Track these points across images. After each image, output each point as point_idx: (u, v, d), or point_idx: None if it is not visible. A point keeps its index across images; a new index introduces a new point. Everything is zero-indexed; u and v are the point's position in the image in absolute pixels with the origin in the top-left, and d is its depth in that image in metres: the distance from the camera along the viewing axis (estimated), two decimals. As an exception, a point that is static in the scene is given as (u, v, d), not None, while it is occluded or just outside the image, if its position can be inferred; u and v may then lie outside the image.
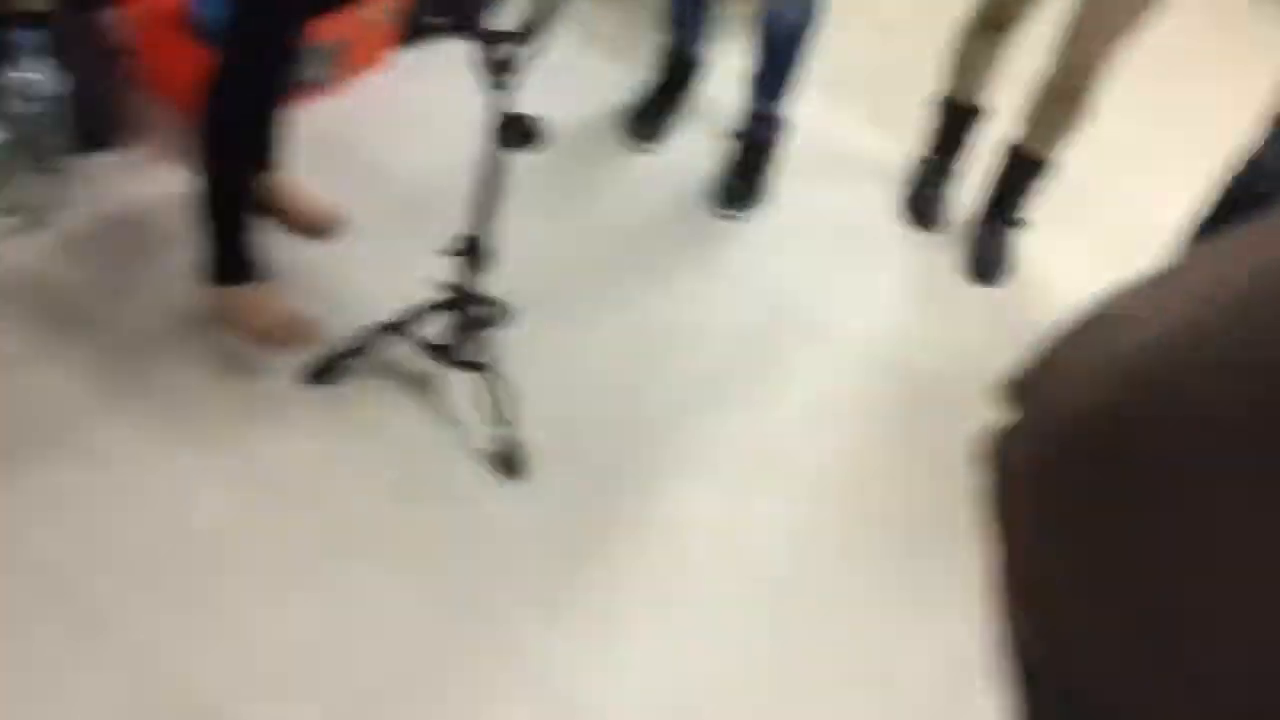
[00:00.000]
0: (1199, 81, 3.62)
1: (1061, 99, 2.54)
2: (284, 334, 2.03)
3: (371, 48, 2.68)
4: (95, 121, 2.26)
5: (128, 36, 2.41)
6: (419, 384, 2.11)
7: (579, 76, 2.86)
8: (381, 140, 2.59)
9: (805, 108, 2.77)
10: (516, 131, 1.77)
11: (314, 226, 2.27)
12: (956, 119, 2.80)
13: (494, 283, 2.00)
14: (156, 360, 2.01)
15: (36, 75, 2.06)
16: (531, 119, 1.76)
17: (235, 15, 1.82)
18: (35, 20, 2.13)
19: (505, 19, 1.71)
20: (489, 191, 1.88)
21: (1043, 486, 0.46)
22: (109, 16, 2.37)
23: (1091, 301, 0.48)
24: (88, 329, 2.02)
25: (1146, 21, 2.37)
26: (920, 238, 2.82)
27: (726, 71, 2.86)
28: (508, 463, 2.02)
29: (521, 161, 1.86)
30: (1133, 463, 0.42)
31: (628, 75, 2.95)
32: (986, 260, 2.76)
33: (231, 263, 2.00)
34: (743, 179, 2.74)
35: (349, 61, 2.61)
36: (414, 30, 2.82)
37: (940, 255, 2.79)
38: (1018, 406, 0.52)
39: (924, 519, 2.18)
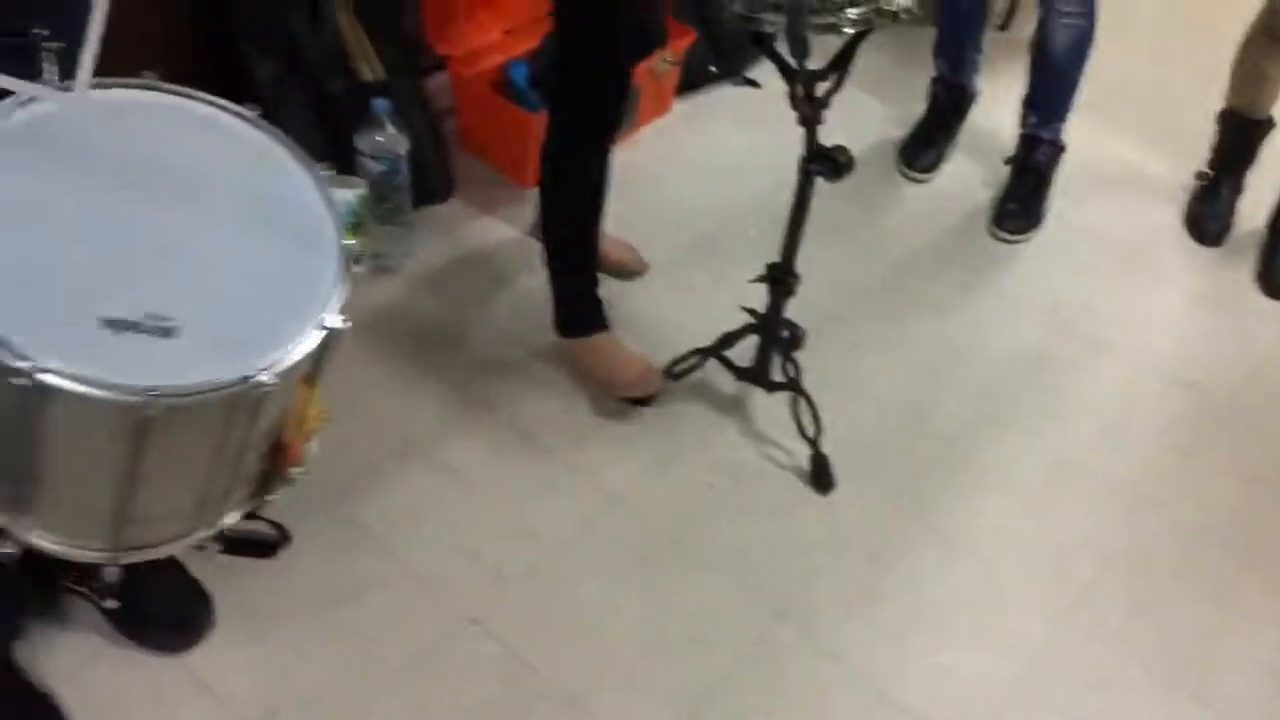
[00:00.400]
0: None
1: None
2: (629, 384, 2.21)
3: (658, 96, 2.87)
4: (428, 176, 2.52)
5: (451, 99, 2.68)
6: (731, 404, 2.25)
7: (847, 113, 2.95)
8: (669, 182, 2.75)
9: (1080, 129, 2.79)
10: (829, 162, 1.89)
11: (622, 268, 2.45)
12: (1241, 132, 2.76)
13: (789, 306, 2.11)
14: (501, 386, 2.23)
15: (385, 138, 2.32)
16: (844, 149, 1.88)
17: (567, 75, 2.01)
18: (376, 88, 2.41)
19: (813, 59, 1.83)
20: (797, 221, 2.01)
21: None
22: (435, 82, 2.64)
23: None
24: (440, 359, 2.26)
25: None
26: (1207, 253, 2.79)
27: (998, 98, 2.91)
28: (818, 477, 2.13)
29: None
30: None
31: (896, 109, 3.05)
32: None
33: (580, 315, 2.20)
34: (1020, 202, 2.78)
35: (640, 110, 2.80)
36: (691, 78, 3.00)
37: (1229, 270, 2.75)
38: None
39: (1228, 530, 2.16)
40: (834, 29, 1.70)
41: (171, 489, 1.08)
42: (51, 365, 0.92)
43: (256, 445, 1.10)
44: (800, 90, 1.83)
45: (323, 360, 1.06)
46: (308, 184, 1.13)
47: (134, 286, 0.99)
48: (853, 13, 1.68)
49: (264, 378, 0.99)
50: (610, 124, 2.03)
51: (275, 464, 1.15)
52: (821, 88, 1.83)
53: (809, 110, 1.85)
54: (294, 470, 1.16)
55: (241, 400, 1.00)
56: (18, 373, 0.91)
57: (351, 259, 1.07)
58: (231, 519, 1.17)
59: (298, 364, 1.01)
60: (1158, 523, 2.17)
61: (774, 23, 1.69)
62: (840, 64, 1.83)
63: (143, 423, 0.95)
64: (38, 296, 0.95)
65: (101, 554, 1.10)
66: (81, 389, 0.93)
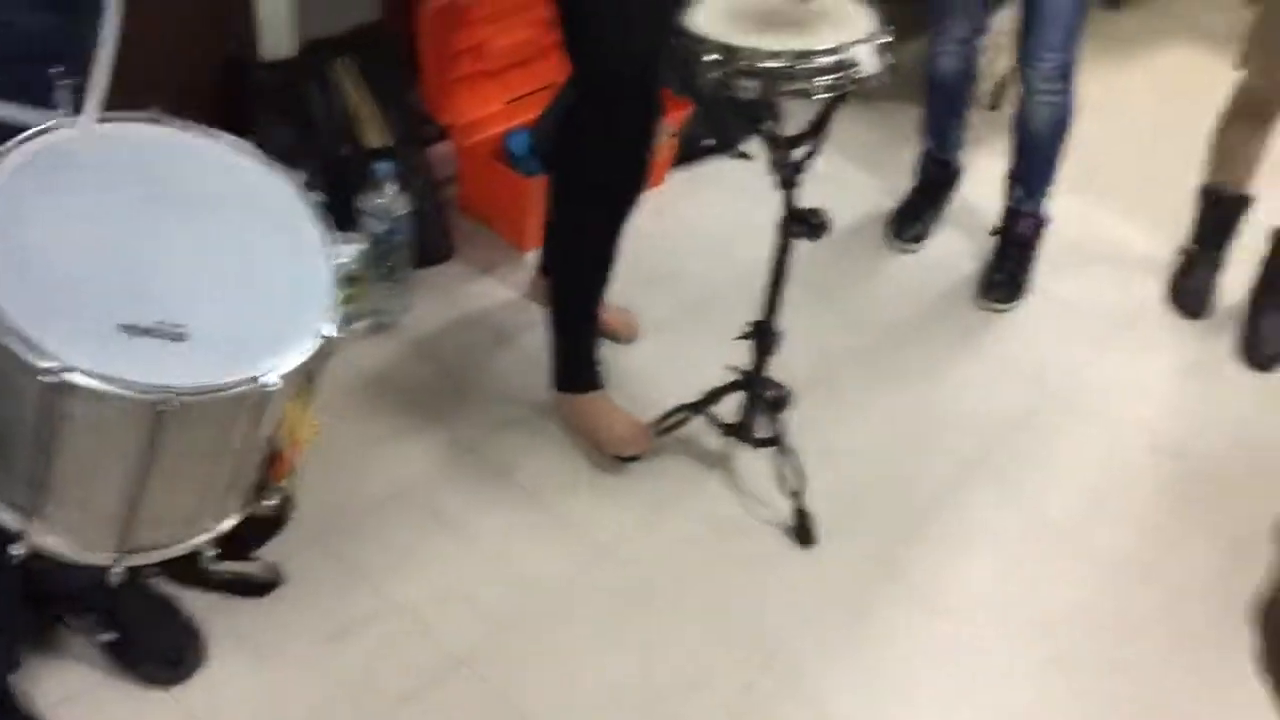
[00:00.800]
0: None
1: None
2: (619, 442, 2.27)
3: (655, 167, 2.97)
4: (430, 239, 2.62)
5: (454, 167, 2.79)
6: (716, 459, 2.32)
7: (839, 186, 3.07)
8: (663, 249, 2.83)
9: (1063, 203, 2.88)
10: (804, 223, 1.97)
11: (616, 333, 2.52)
12: (1220, 208, 2.84)
13: (775, 367, 2.18)
14: (496, 439, 2.30)
15: (387, 199, 2.42)
16: (818, 211, 1.96)
17: (588, 139, 2.07)
18: (383, 153, 2.52)
19: (790, 125, 1.93)
20: (777, 279, 2.08)
21: None
22: (438, 150, 2.75)
23: None
24: (436, 412, 2.34)
25: None
26: (1190, 326, 2.84)
27: (986, 172, 3.01)
28: (800, 532, 2.18)
29: (797, 259, 2.05)
30: None
31: (886, 182, 3.15)
32: (1261, 345, 2.76)
33: (577, 373, 2.28)
34: (1005, 273, 2.86)
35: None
36: (687, 150, 3.11)
37: (1212, 342, 2.80)
38: None
39: (1211, 596, 2.17)
40: (804, 94, 1.79)
41: (178, 489, 1.16)
42: (76, 364, 1.01)
43: (257, 450, 1.18)
44: (778, 155, 1.92)
45: (318, 369, 1.14)
46: (301, 207, 1.24)
47: (148, 296, 1.09)
48: (821, 81, 1.77)
49: (269, 379, 1.08)
50: (627, 188, 2.12)
51: (270, 472, 1.23)
52: (798, 152, 1.92)
53: (786, 174, 1.94)
54: (285, 480, 1.24)
55: (247, 400, 1.10)
56: (46, 371, 1.00)
57: (341, 272, 1.17)
58: (229, 524, 1.24)
59: (299, 368, 1.10)
60: (1141, 588, 2.19)
61: (748, 89, 1.78)
62: (816, 130, 1.92)
63: (157, 419, 1.04)
64: (61, 304, 1.05)
65: (108, 556, 1.17)
66: (103, 386, 1.02)
